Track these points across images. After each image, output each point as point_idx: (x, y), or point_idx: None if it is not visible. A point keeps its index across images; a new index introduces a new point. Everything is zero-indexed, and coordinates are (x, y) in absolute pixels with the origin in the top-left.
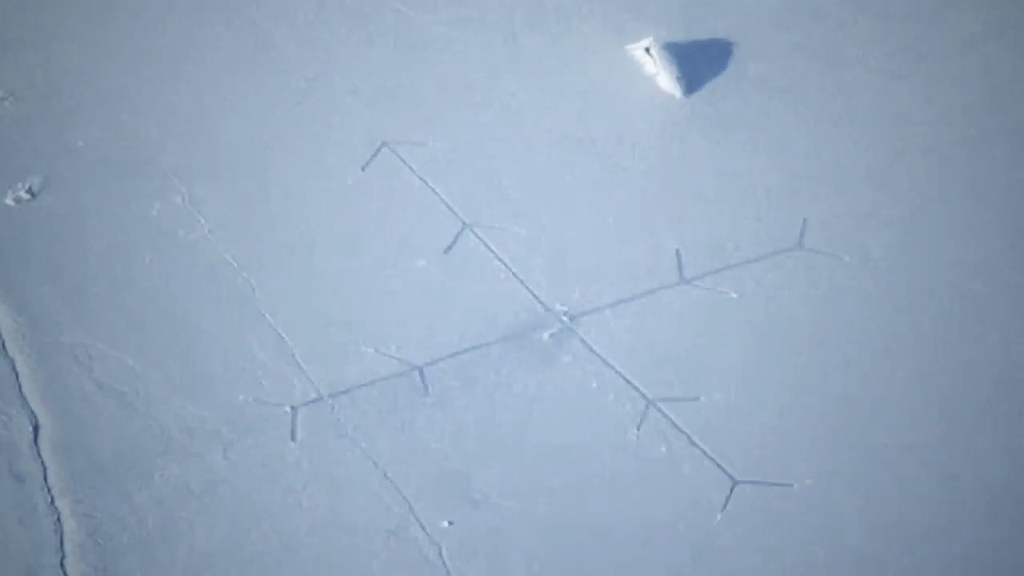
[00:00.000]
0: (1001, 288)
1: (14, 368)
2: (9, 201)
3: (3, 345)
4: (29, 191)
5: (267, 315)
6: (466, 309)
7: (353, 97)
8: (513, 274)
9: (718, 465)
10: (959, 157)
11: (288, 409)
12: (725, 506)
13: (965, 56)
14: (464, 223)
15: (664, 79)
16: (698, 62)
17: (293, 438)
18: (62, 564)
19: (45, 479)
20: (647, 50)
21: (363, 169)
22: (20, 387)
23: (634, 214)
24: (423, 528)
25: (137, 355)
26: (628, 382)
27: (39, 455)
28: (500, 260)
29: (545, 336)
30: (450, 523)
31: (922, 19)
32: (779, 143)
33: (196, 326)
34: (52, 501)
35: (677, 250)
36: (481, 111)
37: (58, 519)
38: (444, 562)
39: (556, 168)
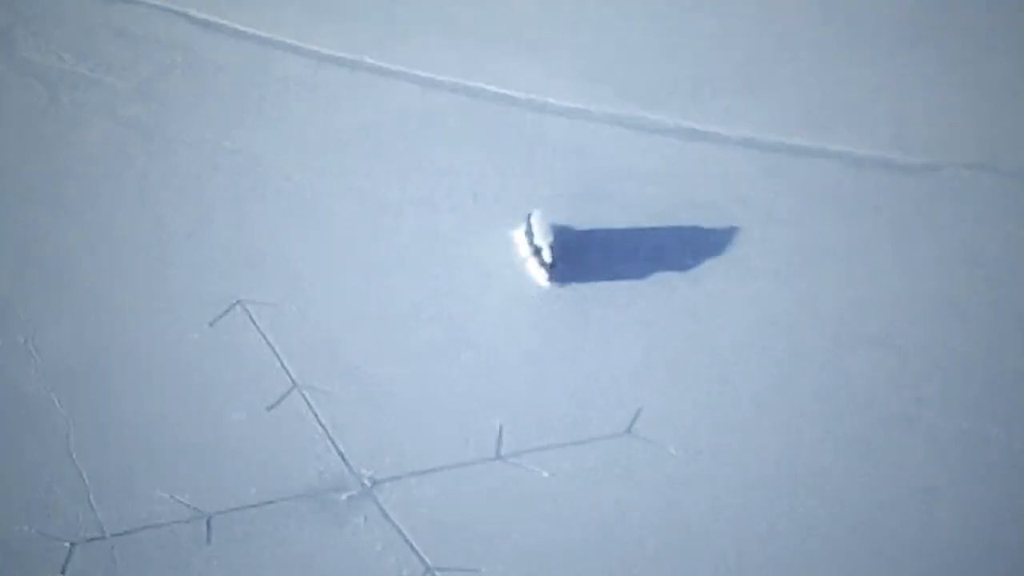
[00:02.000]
0: (817, 496)
1: None
2: None
3: None
4: None
5: (74, 453)
6: (271, 465)
7: (222, 253)
8: (328, 436)
9: None
10: (807, 362)
11: (67, 545)
12: None
13: (841, 261)
14: (294, 383)
15: (534, 263)
16: (576, 250)
17: (63, 572)
18: None
19: None
20: (527, 232)
21: (211, 325)
22: None
23: (467, 390)
24: None
25: None
26: (413, 549)
27: None
28: (319, 421)
29: (343, 497)
30: None
31: (796, 224)
32: (632, 335)
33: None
34: None
35: (500, 426)
36: (344, 279)
37: None
38: None
39: (402, 339)
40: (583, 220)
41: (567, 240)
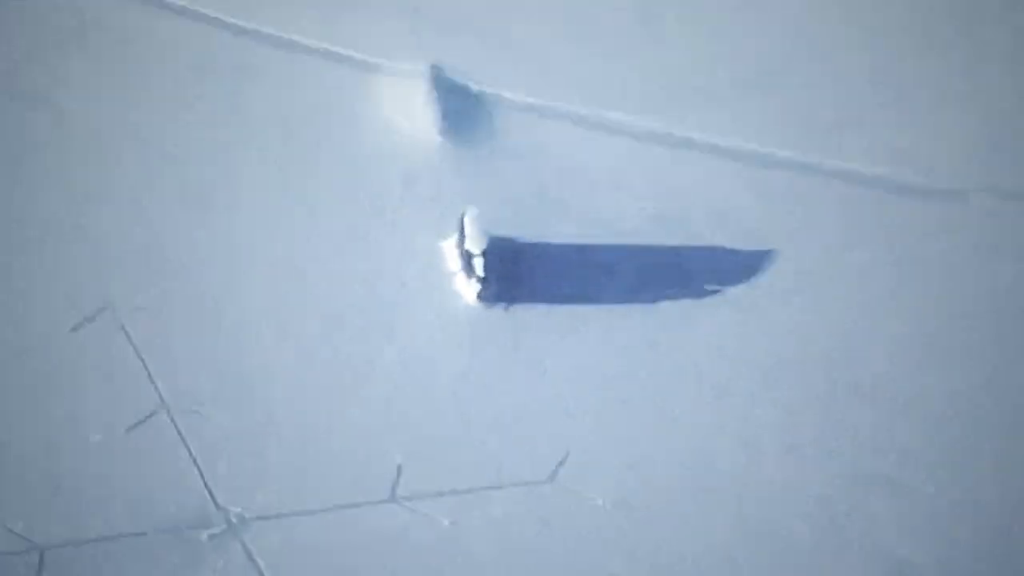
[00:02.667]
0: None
1: None
2: None
3: None
4: None
5: None
6: (125, 494)
7: (100, 248)
8: (195, 464)
9: None
10: (773, 409)
11: None
12: None
13: (831, 294)
14: (163, 402)
15: (464, 278)
16: (517, 264)
17: None
18: None
19: None
20: (459, 241)
21: (74, 329)
22: None
23: (368, 421)
24: None
25: None
26: None
27: None
28: (187, 447)
29: (203, 536)
30: None
31: (781, 248)
32: (569, 367)
33: None
34: None
35: (399, 465)
36: (240, 284)
37: None
38: None
39: (299, 357)
40: (529, 230)
41: (507, 252)
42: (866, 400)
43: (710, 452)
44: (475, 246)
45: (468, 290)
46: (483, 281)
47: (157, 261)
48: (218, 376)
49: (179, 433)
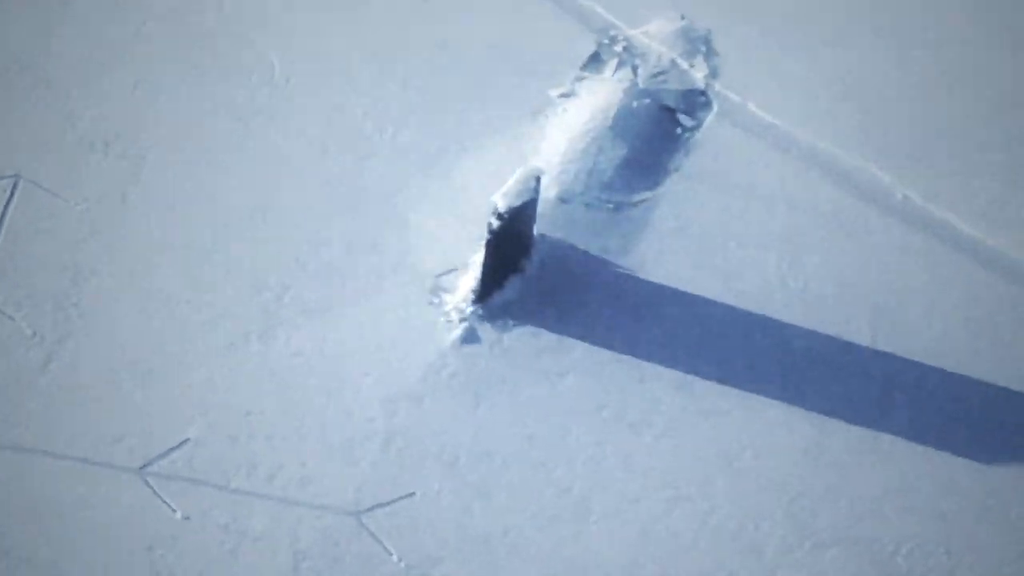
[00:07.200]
0: None
1: None
2: None
3: None
4: None
5: None
6: None
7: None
8: None
9: None
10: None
11: None
12: None
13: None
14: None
15: (467, 275)
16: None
17: None
18: None
19: None
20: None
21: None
22: None
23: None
24: None
25: None
26: None
27: None
28: None
29: None
30: None
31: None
32: (526, 415)
33: None
34: None
35: (188, 439)
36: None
37: None
38: None
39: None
40: (634, 255)
41: (543, 254)
42: None
43: None
44: (500, 198)
45: (466, 284)
46: (483, 283)
47: (113, 140)
48: (70, 294)
49: None
